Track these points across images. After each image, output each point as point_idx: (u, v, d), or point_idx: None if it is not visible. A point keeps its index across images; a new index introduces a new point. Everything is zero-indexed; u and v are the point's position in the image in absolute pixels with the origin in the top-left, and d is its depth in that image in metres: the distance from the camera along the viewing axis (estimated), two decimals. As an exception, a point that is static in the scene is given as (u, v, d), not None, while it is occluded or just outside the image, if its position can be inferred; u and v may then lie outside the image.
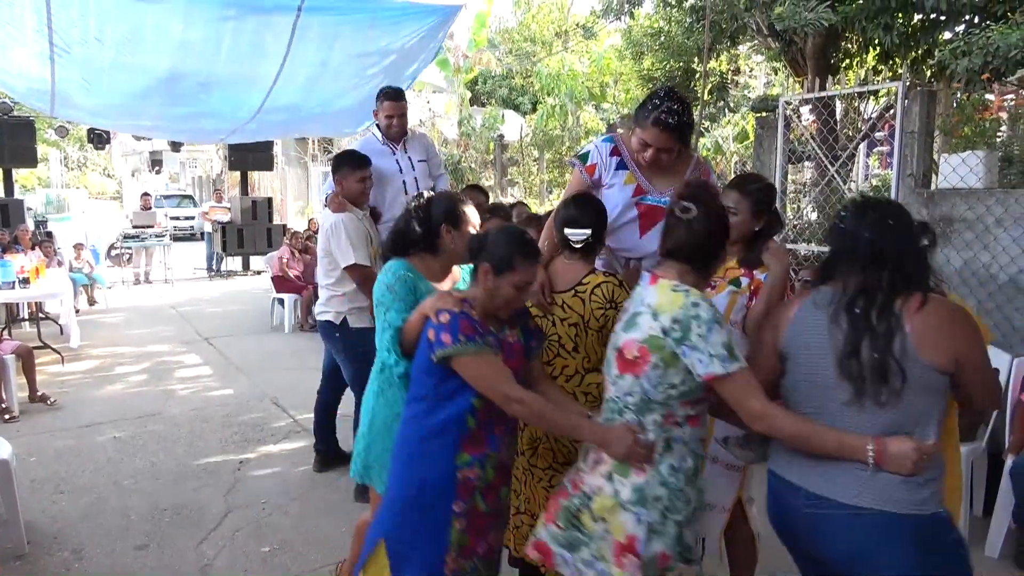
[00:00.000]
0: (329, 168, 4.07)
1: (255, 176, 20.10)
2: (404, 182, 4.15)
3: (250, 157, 13.21)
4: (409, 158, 4.19)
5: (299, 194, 22.98)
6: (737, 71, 10.62)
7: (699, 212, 1.98)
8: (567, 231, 2.54)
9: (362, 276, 3.74)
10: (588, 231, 2.51)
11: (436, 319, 2.11)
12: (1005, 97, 9.44)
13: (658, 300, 1.93)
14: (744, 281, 2.60)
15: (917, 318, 1.75)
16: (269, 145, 13.79)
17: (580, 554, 2.01)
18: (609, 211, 2.69)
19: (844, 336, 1.80)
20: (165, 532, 3.67)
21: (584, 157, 2.85)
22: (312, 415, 4.48)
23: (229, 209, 14.04)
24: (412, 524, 2.13)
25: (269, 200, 14.15)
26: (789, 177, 6.99)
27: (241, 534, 3.65)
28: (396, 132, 4.18)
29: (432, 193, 2.61)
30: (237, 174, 15.06)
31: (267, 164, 14.47)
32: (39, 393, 5.65)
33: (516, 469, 2.66)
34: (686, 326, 1.85)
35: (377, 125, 4.25)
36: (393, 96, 4.17)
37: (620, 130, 3.23)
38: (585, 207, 2.57)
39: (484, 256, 2.14)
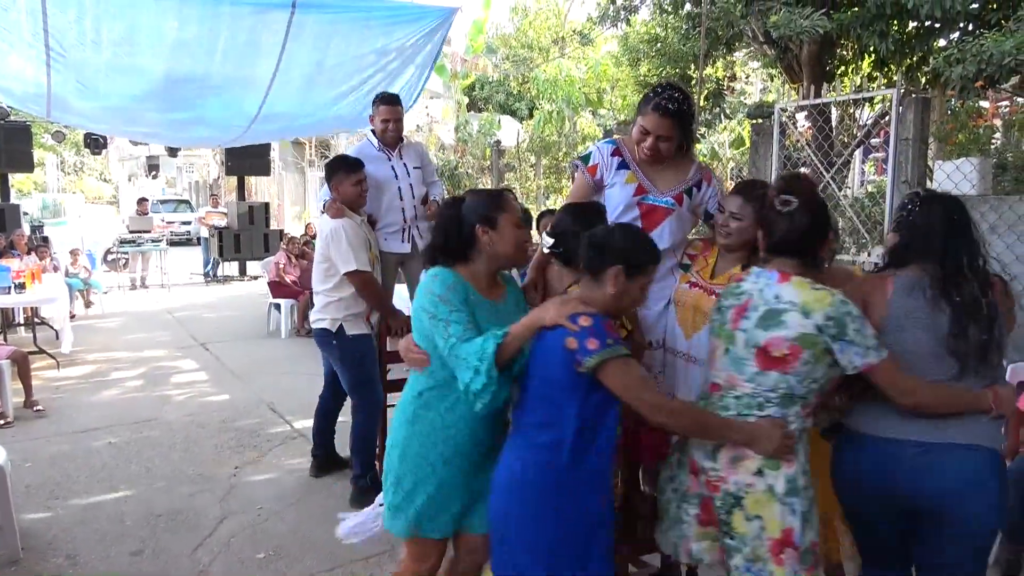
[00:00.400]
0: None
1: (252, 181, 20.08)
2: (400, 188, 4.15)
3: (247, 162, 13.21)
4: (404, 164, 4.19)
5: (296, 199, 22.98)
6: (733, 77, 10.67)
7: (800, 202, 2.04)
8: (543, 238, 2.53)
9: (362, 281, 3.75)
10: (551, 240, 2.49)
11: (574, 324, 1.92)
12: (1000, 103, 9.49)
13: (803, 298, 1.98)
14: None
15: (1006, 301, 2.09)
16: (266, 150, 13.80)
17: (733, 560, 2.04)
18: (610, 211, 2.71)
19: (949, 319, 2.01)
20: (160, 538, 3.66)
21: (586, 158, 2.87)
22: (309, 420, 4.48)
23: (226, 214, 14.03)
24: (578, 561, 1.99)
25: (266, 205, 14.17)
26: (785, 183, 7.00)
27: (236, 540, 3.64)
28: (392, 137, 4.18)
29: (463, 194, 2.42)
30: (234, 179, 15.06)
31: (264, 169, 14.48)
32: (33, 399, 5.64)
33: None
34: (841, 323, 1.94)
35: (372, 131, 4.25)
36: (389, 100, 4.18)
37: (617, 136, 3.26)
38: (564, 213, 2.56)
39: (615, 257, 2.01)
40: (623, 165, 2.78)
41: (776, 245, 2.09)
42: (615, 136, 3.07)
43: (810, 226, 2.06)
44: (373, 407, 3.96)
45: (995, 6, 5.29)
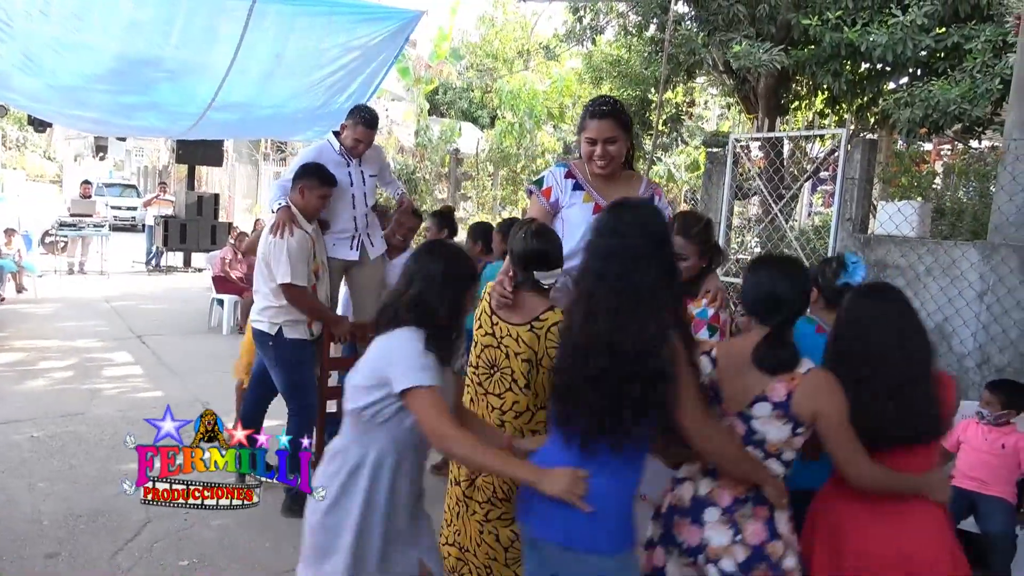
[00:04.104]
0: (280, 168, 4.01)
1: (203, 171, 19.61)
2: (353, 196, 4.12)
3: (199, 151, 12.86)
4: (362, 172, 4.16)
5: (248, 192, 22.49)
6: (692, 103, 10.86)
7: None
8: (537, 273, 2.45)
9: (294, 296, 3.70)
10: (559, 271, 2.48)
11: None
12: (942, 147, 9.84)
13: None
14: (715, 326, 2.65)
15: None
16: (220, 140, 13.48)
17: None
18: (572, 232, 2.74)
19: None
20: (79, 540, 3.51)
21: (539, 183, 2.92)
22: (244, 423, 4.35)
23: (173, 202, 13.65)
24: None
25: (216, 196, 13.80)
26: (735, 211, 7.15)
27: (160, 545, 3.52)
28: (358, 153, 4.15)
29: None
30: (184, 167, 14.68)
31: (217, 160, 14.16)
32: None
33: (450, 499, 2.62)
34: None
35: (335, 133, 4.18)
36: (370, 124, 4.11)
37: (568, 159, 3.32)
38: (553, 242, 2.52)
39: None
40: (577, 186, 2.84)
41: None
42: (565, 159, 3.15)
43: None
44: (307, 412, 3.88)
45: (943, 55, 5.50)
